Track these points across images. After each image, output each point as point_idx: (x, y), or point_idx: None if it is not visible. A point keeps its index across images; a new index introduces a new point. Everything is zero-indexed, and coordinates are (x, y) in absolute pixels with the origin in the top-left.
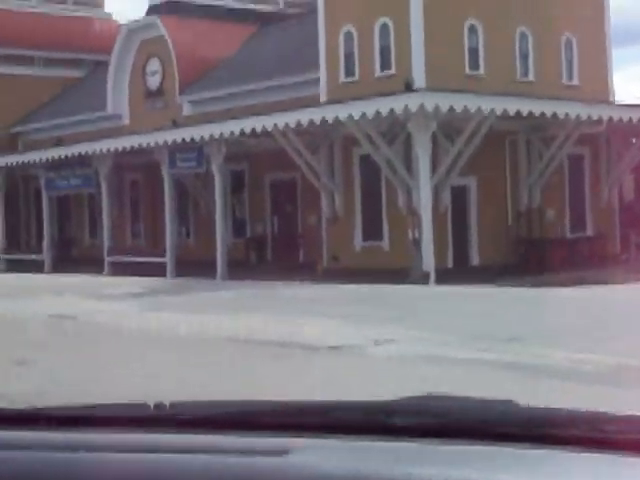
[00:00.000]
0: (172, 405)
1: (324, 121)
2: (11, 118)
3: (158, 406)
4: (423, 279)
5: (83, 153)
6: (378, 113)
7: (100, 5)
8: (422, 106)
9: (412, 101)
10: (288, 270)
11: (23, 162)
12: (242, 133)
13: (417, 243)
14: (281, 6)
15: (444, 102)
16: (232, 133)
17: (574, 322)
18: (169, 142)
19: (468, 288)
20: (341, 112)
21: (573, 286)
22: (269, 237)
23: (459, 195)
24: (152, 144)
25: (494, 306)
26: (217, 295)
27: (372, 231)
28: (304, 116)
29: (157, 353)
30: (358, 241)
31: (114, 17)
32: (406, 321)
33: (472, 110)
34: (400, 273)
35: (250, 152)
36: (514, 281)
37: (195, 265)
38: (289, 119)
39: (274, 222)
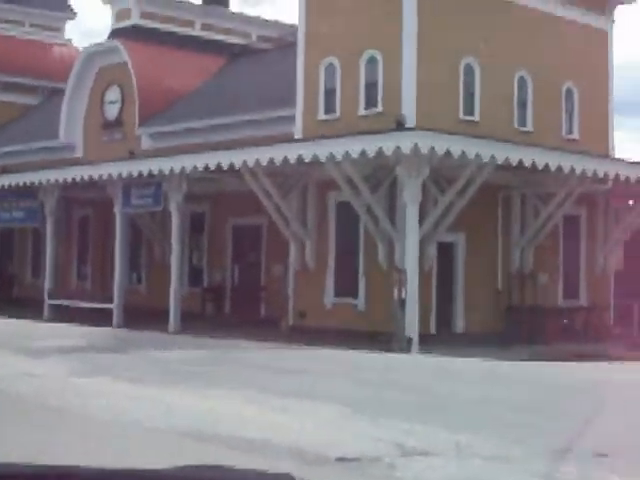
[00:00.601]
0: None
1: (300, 160)
2: None
3: None
4: (405, 346)
5: (28, 183)
6: (364, 153)
7: (60, 30)
8: (416, 147)
9: (405, 141)
10: (248, 325)
11: None
12: (206, 169)
13: (403, 304)
14: (253, 39)
15: (441, 144)
16: (195, 168)
17: None
18: (124, 175)
19: (465, 361)
20: (321, 150)
21: (578, 361)
22: (228, 287)
23: (445, 252)
24: (105, 177)
25: (523, 392)
26: (168, 356)
27: (346, 287)
28: (278, 153)
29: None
30: (329, 297)
31: (74, 44)
32: (424, 411)
33: (470, 156)
34: (376, 337)
35: (213, 192)
36: (510, 353)
37: (145, 314)
38: (260, 155)
39: (235, 271)
